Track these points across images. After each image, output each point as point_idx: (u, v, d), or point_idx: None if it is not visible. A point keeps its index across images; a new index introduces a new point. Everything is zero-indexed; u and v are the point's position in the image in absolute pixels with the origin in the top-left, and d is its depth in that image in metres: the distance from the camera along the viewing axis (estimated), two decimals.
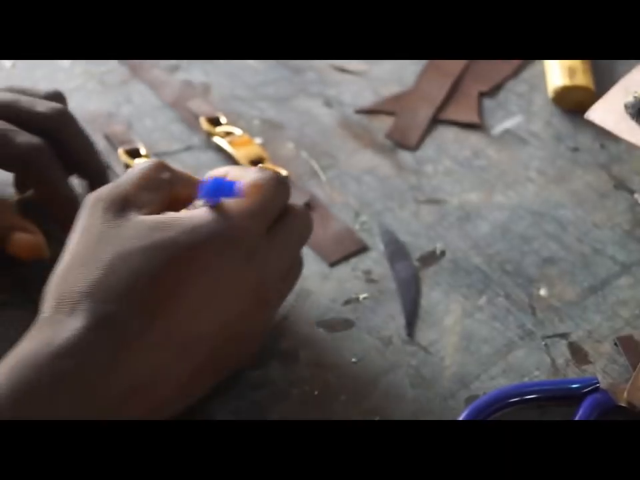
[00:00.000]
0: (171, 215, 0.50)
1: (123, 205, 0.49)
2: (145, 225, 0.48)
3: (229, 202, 0.50)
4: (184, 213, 0.50)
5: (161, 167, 0.52)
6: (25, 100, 0.58)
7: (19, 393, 0.44)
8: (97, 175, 0.59)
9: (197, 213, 0.50)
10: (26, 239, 0.57)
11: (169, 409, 0.49)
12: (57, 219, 0.58)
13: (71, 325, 0.46)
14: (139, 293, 0.47)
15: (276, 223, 0.51)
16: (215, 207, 0.50)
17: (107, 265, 0.47)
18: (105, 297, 0.46)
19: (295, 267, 0.54)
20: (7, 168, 0.59)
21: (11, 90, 0.61)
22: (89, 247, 0.48)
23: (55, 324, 0.46)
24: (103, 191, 0.51)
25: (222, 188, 0.49)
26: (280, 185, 0.52)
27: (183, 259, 0.48)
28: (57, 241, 0.60)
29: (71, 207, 0.57)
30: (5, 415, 0.43)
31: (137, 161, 0.65)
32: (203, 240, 0.48)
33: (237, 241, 0.49)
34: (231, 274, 0.49)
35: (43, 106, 0.58)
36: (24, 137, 0.56)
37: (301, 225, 0.53)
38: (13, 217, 0.58)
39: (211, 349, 0.49)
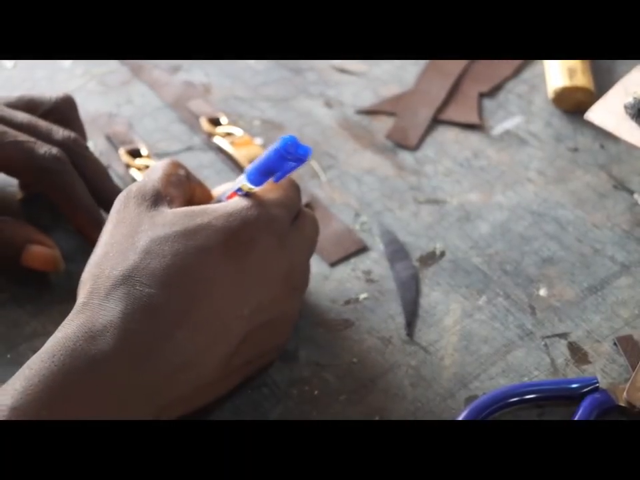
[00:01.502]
0: (203, 205, 0.51)
1: (154, 199, 0.50)
2: (180, 213, 0.50)
3: (261, 192, 0.51)
4: (217, 204, 0.51)
5: (178, 165, 0.54)
6: (42, 125, 0.59)
7: (57, 379, 0.44)
8: (110, 200, 0.60)
9: (231, 201, 0.51)
10: (42, 251, 0.57)
11: (211, 392, 0.50)
12: (79, 227, 0.59)
13: (108, 309, 0.46)
14: (176, 276, 0.47)
15: (293, 220, 0.53)
16: (248, 195, 0.51)
17: (143, 251, 0.48)
18: (141, 280, 0.47)
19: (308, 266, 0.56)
20: (30, 178, 0.60)
21: (21, 99, 0.61)
22: (123, 236, 0.49)
23: (91, 309, 0.47)
24: (133, 188, 0.52)
25: (297, 146, 0.49)
26: (297, 186, 0.54)
27: (219, 243, 0.48)
28: (59, 236, 0.60)
29: (93, 215, 0.58)
30: (44, 401, 0.44)
31: (139, 161, 0.65)
32: (238, 225, 0.49)
33: (270, 227, 0.50)
34: (264, 258, 0.50)
35: (59, 134, 0.59)
36: (45, 148, 0.57)
37: (313, 224, 0.55)
38: (30, 230, 0.58)
39: (246, 332, 0.49)
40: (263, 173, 0.49)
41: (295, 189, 0.53)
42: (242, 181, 0.51)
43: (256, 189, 0.51)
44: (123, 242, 0.49)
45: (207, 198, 0.55)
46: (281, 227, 0.51)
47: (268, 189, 0.51)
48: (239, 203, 0.50)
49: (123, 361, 0.45)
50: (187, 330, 0.47)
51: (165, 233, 0.48)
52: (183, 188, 0.53)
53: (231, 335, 0.49)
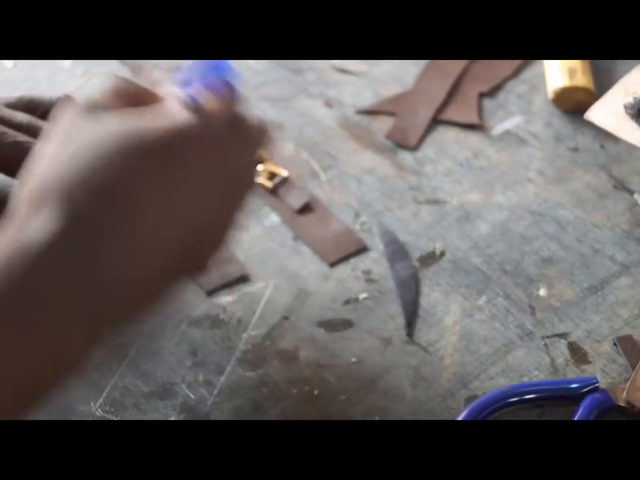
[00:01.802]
0: (149, 119, 0.49)
1: (97, 112, 0.49)
2: (122, 127, 0.48)
3: (207, 105, 0.50)
4: (162, 116, 0.50)
5: (125, 80, 0.52)
6: (42, 125, 0.59)
7: None
8: None
9: (177, 116, 0.49)
10: None
11: (145, 301, 0.49)
12: None
13: (46, 226, 0.45)
14: (114, 193, 0.46)
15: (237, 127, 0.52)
16: (193, 109, 0.50)
17: (83, 164, 0.46)
18: (80, 195, 0.46)
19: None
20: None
21: (21, 99, 0.61)
22: (63, 147, 0.48)
23: (27, 225, 0.45)
24: (76, 102, 0.51)
25: (217, 68, 0.50)
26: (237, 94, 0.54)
27: (160, 161, 0.48)
28: None
29: None
30: None
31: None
32: (181, 144, 0.48)
33: (214, 150, 0.49)
34: (204, 178, 0.49)
35: None
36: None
37: (257, 134, 0.53)
38: None
39: (178, 250, 0.48)
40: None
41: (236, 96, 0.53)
42: (179, 92, 0.50)
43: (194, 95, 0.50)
44: (61, 155, 0.47)
45: (153, 100, 0.54)
46: (225, 146, 0.50)
47: (210, 100, 0.51)
48: (184, 120, 0.49)
49: (54, 276, 0.44)
50: (118, 247, 0.46)
51: (107, 148, 0.47)
52: (130, 101, 0.52)
53: (162, 252, 0.48)
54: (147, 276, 0.47)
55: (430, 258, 0.60)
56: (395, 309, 0.57)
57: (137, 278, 0.47)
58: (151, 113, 0.50)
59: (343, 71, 0.73)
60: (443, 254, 0.61)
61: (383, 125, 0.69)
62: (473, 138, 0.68)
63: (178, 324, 0.56)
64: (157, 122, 0.48)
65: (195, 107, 0.50)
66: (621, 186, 0.64)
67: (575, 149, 0.67)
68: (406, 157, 0.67)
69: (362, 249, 0.61)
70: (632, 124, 0.64)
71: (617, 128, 0.64)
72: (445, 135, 0.68)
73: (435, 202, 0.64)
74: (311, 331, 0.56)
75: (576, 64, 0.69)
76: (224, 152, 0.50)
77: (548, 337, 0.56)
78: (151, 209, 0.47)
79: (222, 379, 0.53)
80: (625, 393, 0.52)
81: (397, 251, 0.60)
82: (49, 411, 0.51)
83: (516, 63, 0.73)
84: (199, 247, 0.50)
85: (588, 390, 0.52)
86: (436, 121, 0.69)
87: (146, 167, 0.47)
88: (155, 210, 0.47)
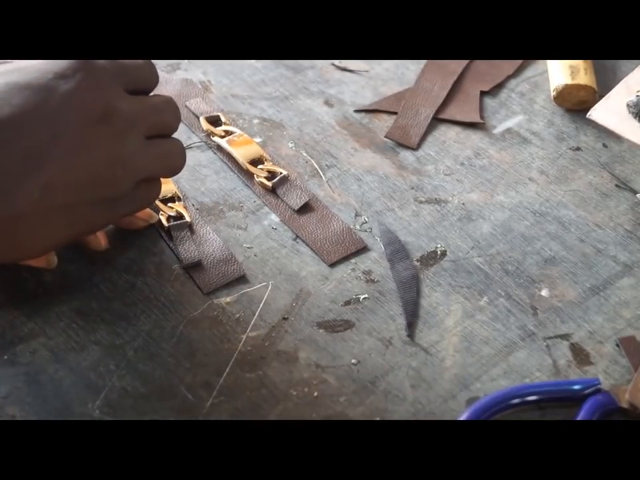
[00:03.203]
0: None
1: None
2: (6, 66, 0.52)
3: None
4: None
5: None
6: None
7: None
8: None
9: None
10: None
11: (30, 227, 0.49)
12: None
13: None
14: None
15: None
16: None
17: None
18: None
19: (169, 146, 0.56)
20: None
21: None
22: None
23: None
24: None
25: None
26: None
27: (38, 94, 0.50)
28: None
29: None
30: None
31: None
32: (60, 81, 0.51)
33: (86, 67, 0.53)
34: (71, 98, 0.51)
35: None
36: None
37: (163, 105, 0.56)
38: None
39: (59, 170, 0.49)
40: None
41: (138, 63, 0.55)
42: None
43: None
44: None
45: None
46: (98, 71, 0.53)
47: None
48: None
49: None
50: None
51: None
52: None
53: (40, 168, 0.48)
54: (25, 194, 0.48)
55: (431, 258, 0.60)
56: (395, 310, 0.57)
57: (14, 195, 0.47)
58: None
59: (343, 69, 0.73)
60: (444, 254, 0.60)
61: (383, 123, 0.69)
62: (474, 137, 0.68)
63: (176, 325, 0.56)
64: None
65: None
66: (624, 185, 0.64)
67: (577, 148, 0.67)
68: (407, 156, 0.66)
69: (362, 249, 0.60)
70: (635, 123, 0.63)
71: (619, 127, 0.63)
72: (446, 134, 0.68)
73: (435, 201, 0.63)
74: (310, 331, 0.56)
75: (578, 62, 0.69)
76: (107, 100, 0.52)
77: (550, 337, 0.55)
78: (31, 138, 0.48)
79: (221, 380, 0.53)
80: (627, 394, 0.51)
81: (397, 251, 0.60)
82: (47, 412, 0.51)
83: (518, 61, 0.73)
84: (79, 194, 0.51)
85: (590, 391, 0.51)
86: (437, 120, 0.69)
87: (25, 99, 0.49)
88: (33, 137, 0.48)
